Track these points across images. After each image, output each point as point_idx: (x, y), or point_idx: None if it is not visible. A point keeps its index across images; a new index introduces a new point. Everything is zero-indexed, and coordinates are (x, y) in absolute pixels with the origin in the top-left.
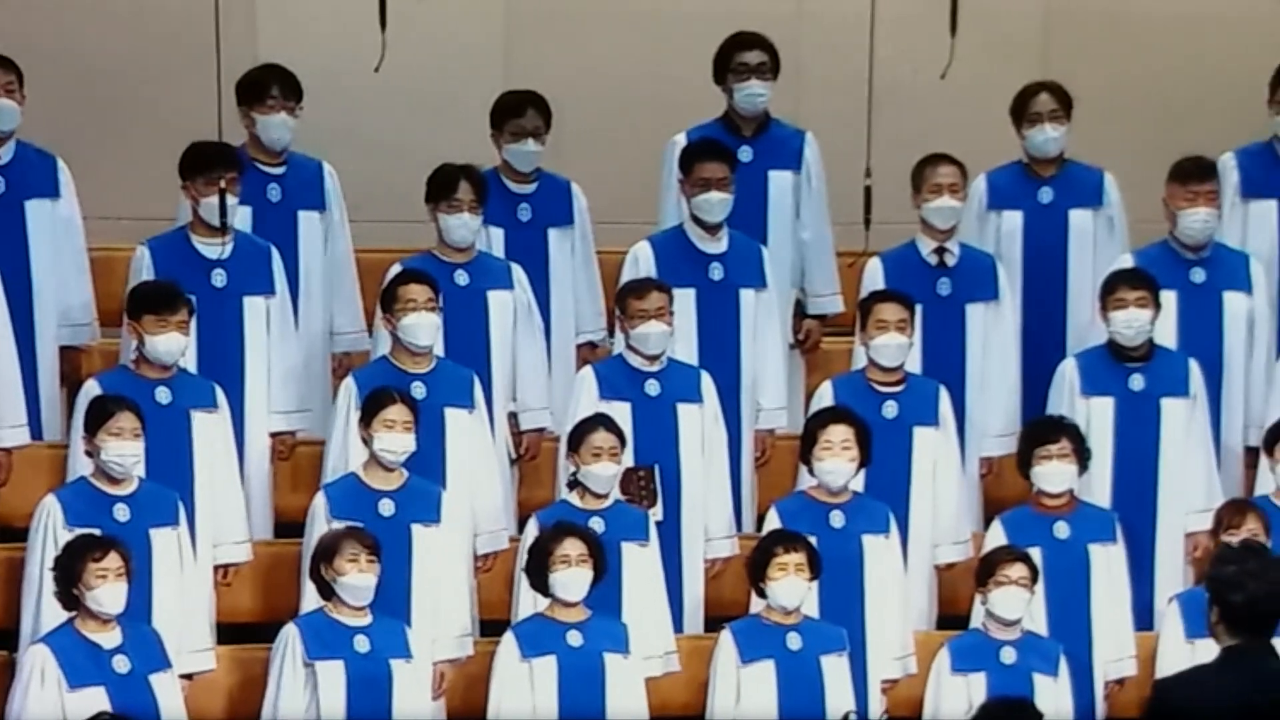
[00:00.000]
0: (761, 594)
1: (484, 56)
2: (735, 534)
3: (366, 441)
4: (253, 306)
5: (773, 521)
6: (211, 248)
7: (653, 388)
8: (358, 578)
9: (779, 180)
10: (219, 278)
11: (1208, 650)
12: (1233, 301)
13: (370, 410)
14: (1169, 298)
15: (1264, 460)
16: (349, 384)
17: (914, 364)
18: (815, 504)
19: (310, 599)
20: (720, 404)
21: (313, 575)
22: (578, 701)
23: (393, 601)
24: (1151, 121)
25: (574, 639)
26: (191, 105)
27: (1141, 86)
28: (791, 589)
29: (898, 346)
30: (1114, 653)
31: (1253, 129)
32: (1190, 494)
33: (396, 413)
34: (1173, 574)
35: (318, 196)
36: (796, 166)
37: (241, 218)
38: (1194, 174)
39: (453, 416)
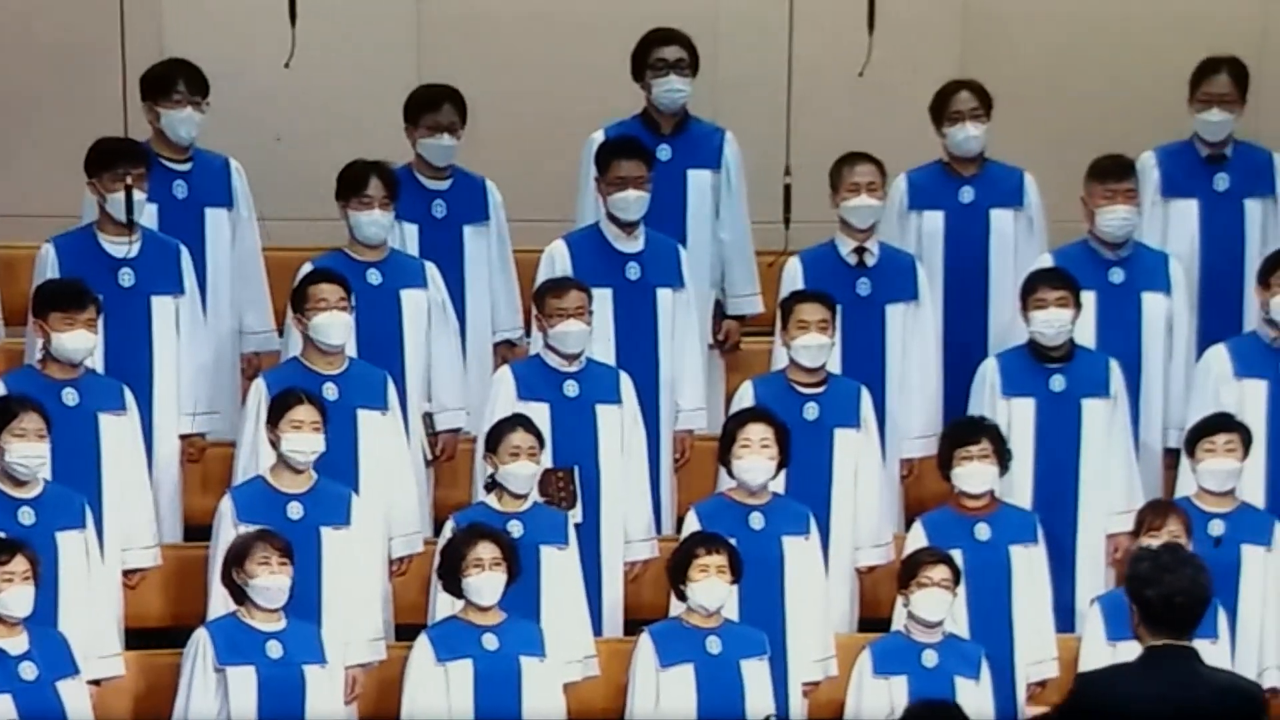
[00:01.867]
0: (682, 596)
1: (397, 52)
2: (655, 536)
3: (274, 443)
4: (161, 306)
5: (692, 523)
6: (118, 246)
7: (571, 388)
8: (270, 580)
9: (698, 179)
10: (126, 277)
11: (1130, 652)
12: (1152, 302)
13: (277, 411)
14: (1088, 298)
15: (1184, 461)
16: (259, 385)
17: (834, 365)
18: (735, 505)
19: (219, 604)
20: (639, 405)
21: (223, 579)
22: (493, 705)
23: (304, 606)
24: (1070, 120)
25: (489, 642)
26: (97, 100)
27: (1060, 85)
28: (712, 591)
29: (819, 347)
30: (1035, 655)
31: (1173, 128)
32: (1111, 495)
33: (304, 413)
34: (1094, 575)
35: (225, 193)
36: (716, 165)
37: (148, 215)
38: (1112, 172)
39: (366, 418)
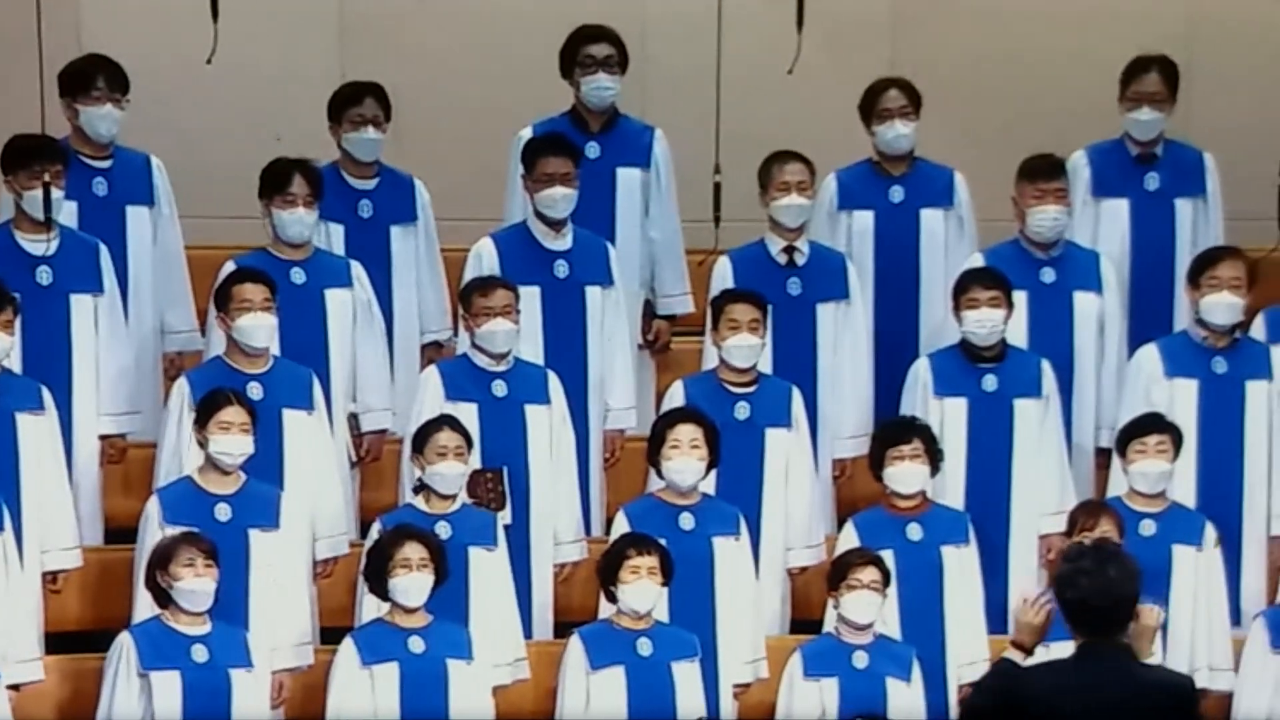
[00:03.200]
0: (612, 598)
1: (319, 49)
2: (584, 537)
3: (202, 444)
4: (80, 305)
5: (621, 524)
6: (36, 244)
7: (499, 388)
8: (195, 583)
9: (627, 177)
10: (44, 275)
11: (1063, 653)
12: (1083, 301)
13: (205, 412)
14: (1020, 298)
15: (1116, 461)
16: (182, 385)
17: (764, 364)
18: (665, 506)
19: (143, 607)
20: (568, 404)
21: (148, 582)
22: (420, 709)
23: (230, 609)
24: (1000, 120)
25: (416, 645)
26: (13, 96)
27: (990, 84)
28: (643, 593)
29: (750, 347)
30: (967, 655)
31: (1104, 127)
32: (1043, 495)
33: (233, 415)
34: (1026, 576)
35: (146, 191)
36: (645, 163)
37: (67, 213)
38: (1043, 172)
39: (291, 418)
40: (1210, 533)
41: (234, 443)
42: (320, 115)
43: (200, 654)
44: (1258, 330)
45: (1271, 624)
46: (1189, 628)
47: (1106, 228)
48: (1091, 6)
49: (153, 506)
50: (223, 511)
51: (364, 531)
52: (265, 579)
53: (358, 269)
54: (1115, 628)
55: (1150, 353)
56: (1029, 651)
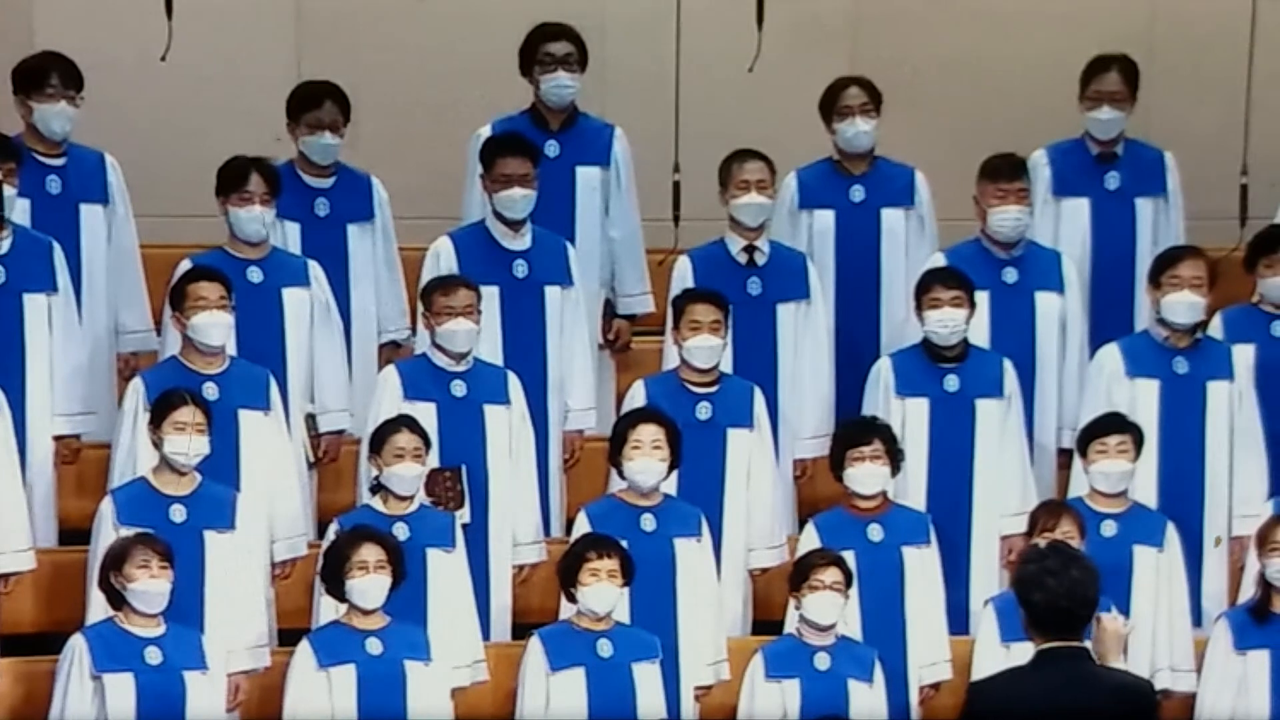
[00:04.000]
0: (572, 599)
1: (276, 45)
2: (544, 539)
3: (157, 445)
4: (34, 304)
5: (582, 525)
6: None
7: (459, 388)
8: (149, 584)
9: (587, 176)
10: None
11: (1023, 654)
12: (1045, 301)
13: (160, 412)
14: (981, 298)
15: (1077, 462)
16: (137, 385)
17: (725, 364)
18: (626, 507)
19: (97, 609)
20: (527, 405)
21: (101, 584)
22: (378, 711)
23: (185, 611)
24: (961, 118)
25: (373, 647)
26: None
27: (950, 83)
28: (603, 595)
29: (711, 348)
30: (928, 657)
31: (1064, 126)
32: (1005, 496)
33: (188, 415)
34: (988, 577)
35: (100, 189)
36: (605, 162)
37: (20, 211)
38: (1004, 172)
39: (247, 418)
40: (1173, 533)
41: (189, 444)
42: (278, 114)
43: (154, 656)
44: (1215, 330)
45: (1234, 625)
46: (1150, 629)
47: (1067, 227)
48: (1052, 6)
49: (107, 507)
50: (178, 513)
51: (321, 533)
52: (220, 581)
53: (315, 268)
54: (1078, 629)
55: (1111, 352)
56: None
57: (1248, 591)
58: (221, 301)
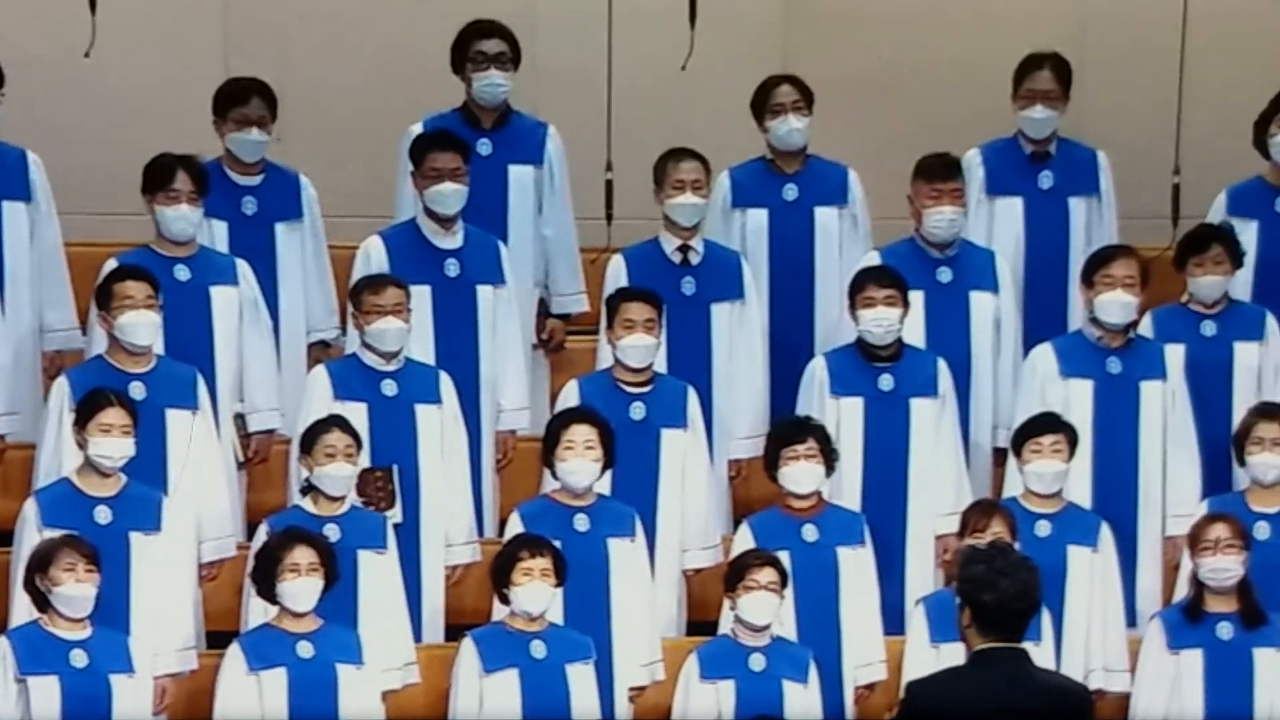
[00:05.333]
0: (505, 600)
1: (202, 41)
2: (476, 539)
3: (82, 446)
4: None
5: (515, 526)
6: None
7: (389, 388)
8: (75, 588)
9: (519, 174)
10: None
11: (953, 654)
12: (979, 301)
13: (85, 413)
14: (916, 297)
15: (1012, 461)
16: (62, 384)
17: (659, 364)
18: (559, 507)
19: (21, 611)
20: (459, 405)
21: (26, 586)
22: (309, 715)
23: (111, 613)
24: (894, 117)
25: (304, 650)
26: None
27: (883, 82)
28: (536, 595)
29: (645, 347)
30: (863, 657)
31: (998, 126)
32: (939, 496)
33: (114, 416)
34: (923, 577)
35: (22, 187)
36: (538, 160)
37: None
38: (938, 171)
39: (174, 418)
40: (1107, 533)
41: (114, 445)
42: (204, 111)
43: (80, 659)
44: (1145, 329)
45: (1167, 624)
46: (1084, 629)
47: (1001, 226)
48: (985, 6)
49: (30, 508)
50: (103, 514)
51: (251, 533)
52: (147, 583)
53: (243, 266)
54: (1023, 630)
55: (1045, 352)
56: None
57: (1182, 591)
58: (148, 300)
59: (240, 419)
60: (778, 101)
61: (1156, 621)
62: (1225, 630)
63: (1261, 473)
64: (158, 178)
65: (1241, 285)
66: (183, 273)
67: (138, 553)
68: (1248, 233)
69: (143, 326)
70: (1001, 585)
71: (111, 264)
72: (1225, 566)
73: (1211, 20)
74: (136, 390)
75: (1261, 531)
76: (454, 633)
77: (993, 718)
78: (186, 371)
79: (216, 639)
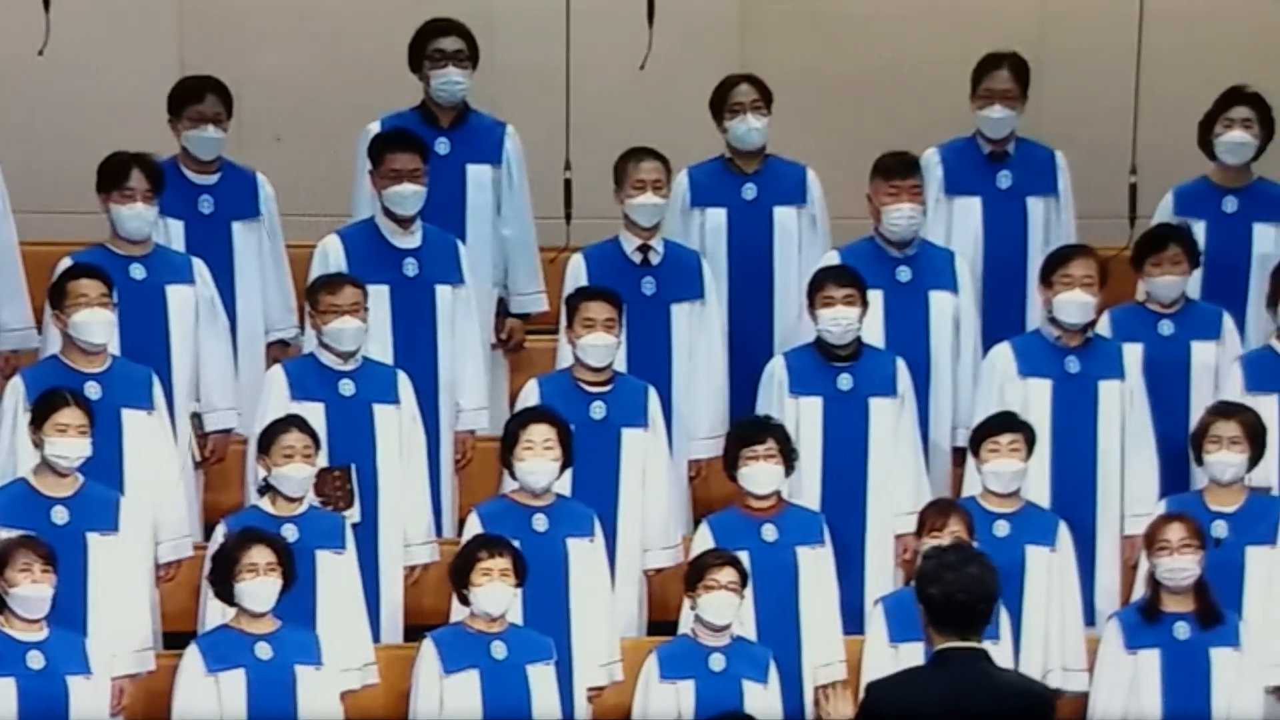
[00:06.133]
0: (465, 601)
1: (157, 40)
2: (435, 539)
3: (38, 445)
4: None
5: (474, 526)
6: None
7: (347, 388)
8: (31, 589)
9: (478, 174)
10: None
11: (912, 653)
12: (939, 300)
13: (41, 413)
14: (875, 296)
15: (970, 460)
16: (16, 383)
17: (619, 363)
18: (518, 507)
19: None
20: (418, 405)
21: None
22: (267, 716)
23: (68, 614)
24: (853, 117)
25: (263, 651)
26: None
27: (841, 81)
28: (496, 595)
29: (606, 346)
30: (823, 657)
31: (956, 125)
32: (899, 495)
33: (70, 416)
34: (882, 577)
35: None
36: (496, 160)
37: None
38: (896, 170)
39: (130, 418)
40: (1065, 533)
41: (71, 446)
42: (159, 109)
43: (36, 660)
44: (1103, 329)
45: (1125, 624)
46: (1042, 628)
47: (959, 226)
48: (943, 5)
49: None
50: (59, 514)
51: (208, 534)
52: (104, 583)
53: (200, 265)
54: (976, 626)
55: (1004, 352)
56: None
57: (1140, 590)
58: (103, 299)
59: (197, 418)
60: (736, 101)
61: (1114, 622)
62: (1182, 630)
63: (1219, 472)
64: (112, 176)
65: (1191, 285)
66: (138, 271)
67: (95, 553)
68: (1195, 233)
69: (97, 325)
70: (946, 579)
71: (66, 262)
72: (1182, 567)
73: (1168, 21)
74: (92, 390)
75: (1219, 530)
76: (413, 633)
77: (952, 717)
78: (142, 372)
79: (173, 640)
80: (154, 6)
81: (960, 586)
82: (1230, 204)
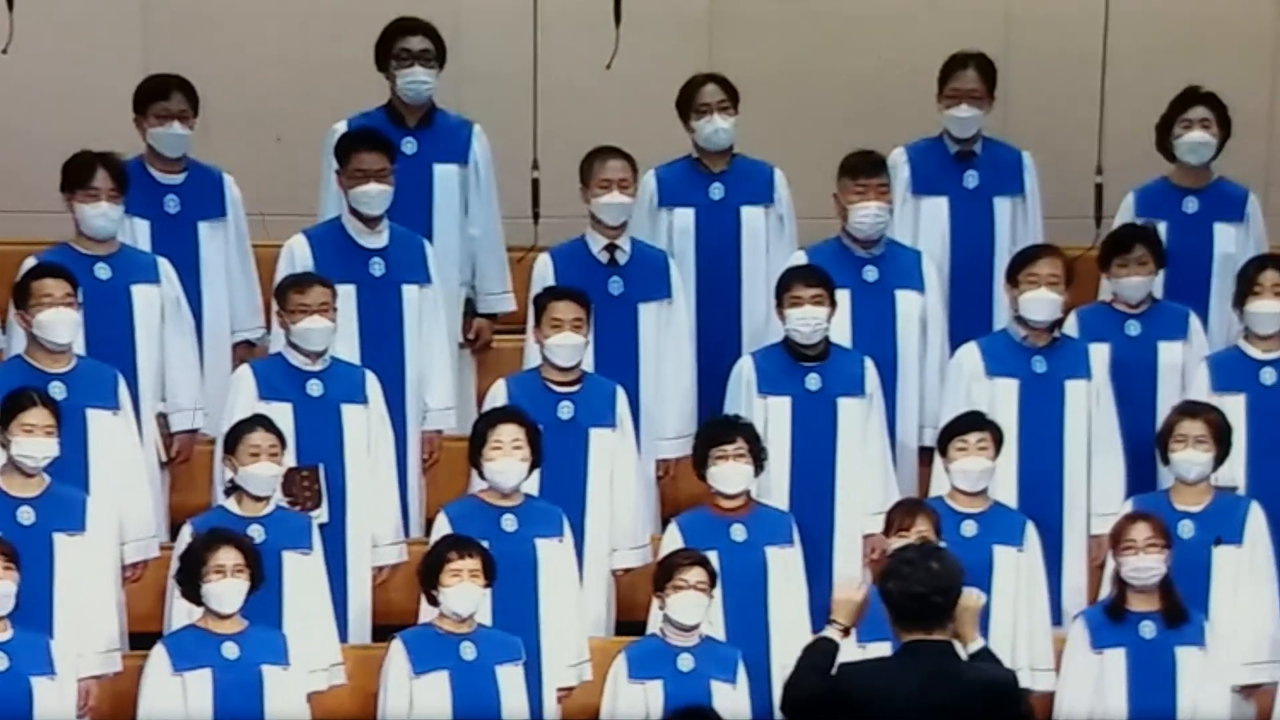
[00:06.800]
0: (434, 602)
1: (122, 38)
2: (404, 539)
3: (4, 446)
4: None
5: (442, 526)
6: None
7: (315, 388)
8: None
9: (445, 174)
10: None
11: (879, 653)
12: (906, 300)
13: (8, 413)
14: (842, 296)
15: (938, 460)
16: None
17: (587, 363)
18: (486, 507)
19: None
20: (385, 404)
21: None
22: (234, 716)
23: (34, 615)
24: (820, 117)
25: (230, 651)
26: None
27: (809, 81)
28: (465, 595)
29: (574, 346)
30: (791, 657)
31: (923, 125)
32: (867, 495)
33: (36, 416)
34: (850, 576)
35: None
36: (463, 160)
37: None
38: (863, 168)
39: (95, 418)
40: (1033, 533)
41: (37, 446)
42: (124, 108)
43: (0, 662)
44: (1070, 329)
45: (1091, 624)
46: (1010, 628)
47: (926, 226)
48: (910, 5)
49: None
50: (25, 515)
51: (174, 534)
52: (70, 584)
53: (165, 265)
54: (937, 620)
55: (971, 351)
56: (846, 632)
57: (1107, 590)
58: (67, 299)
59: (163, 418)
60: (704, 102)
61: (1079, 621)
62: (1148, 629)
63: (1184, 471)
64: (77, 175)
65: (1154, 286)
66: (103, 271)
67: (61, 554)
68: None
69: (62, 324)
70: (904, 573)
71: (30, 262)
72: (1147, 566)
73: (1133, 21)
74: (57, 390)
75: (1185, 530)
76: (381, 633)
77: (921, 711)
78: (107, 371)
79: (139, 640)
80: (117, 4)
81: (916, 579)
82: (1191, 204)
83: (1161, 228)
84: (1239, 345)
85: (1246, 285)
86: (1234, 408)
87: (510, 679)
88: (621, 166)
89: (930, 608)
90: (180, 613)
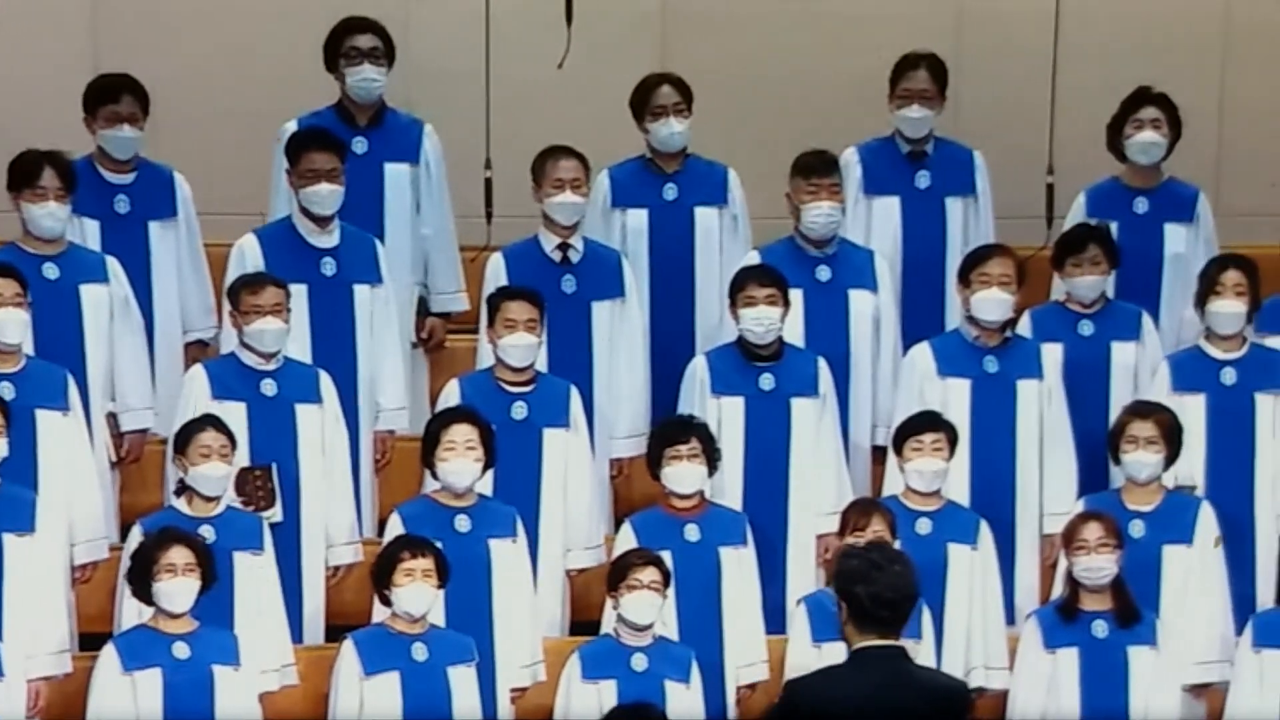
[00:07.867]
0: (386, 602)
1: (72, 40)
2: (359, 539)
3: None
4: None
5: (395, 526)
6: None
7: (269, 387)
8: None
9: (395, 173)
10: None
11: (835, 653)
12: (858, 300)
13: None
14: (795, 296)
15: (892, 459)
16: None
17: (540, 363)
18: (439, 508)
19: None
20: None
21: None
22: (184, 716)
23: None
24: (773, 117)
25: (180, 651)
26: None
27: (761, 81)
28: (418, 596)
29: (527, 346)
30: (745, 657)
31: (875, 125)
32: (820, 495)
33: None
34: (804, 576)
35: None
36: (415, 158)
37: None
38: (816, 168)
39: (44, 418)
40: (986, 531)
41: None
42: (73, 107)
43: None
44: (1024, 329)
45: (1044, 623)
46: (964, 626)
47: (878, 226)
48: (861, 5)
49: None
50: None
51: (124, 535)
52: (20, 585)
53: (114, 264)
54: (898, 626)
55: (923, 351)
56: None
57: (1059, 589)
58: (16, 298)
59: (113, 418)
60: (659, 104)
61: (1032, 620)
62: (1100, 628)
63: (1135, 471)
64: (24, 174)
65: (1107, 285)
66: (51, 271)
67: (11, 554)
68: None
69: (10, 324)
70: (874, 578)
71: None
72: (1099, 565)
73: (1084, 20)
74: (6, 390)
75: (1136, 529)
76: (334, 633)
77: (870, 716)
78: (57, 372)
79: (89, 641)
80: (68, 6)
81: (887, 585)
82: (1141, 205)
83: (1112, 228)
84: (1200, 345)
85: (1208, 285)
86: (1194, 408)
87: (462, 680)
88: (574, 166)
89: (899, 614)
90: (130, 613)
